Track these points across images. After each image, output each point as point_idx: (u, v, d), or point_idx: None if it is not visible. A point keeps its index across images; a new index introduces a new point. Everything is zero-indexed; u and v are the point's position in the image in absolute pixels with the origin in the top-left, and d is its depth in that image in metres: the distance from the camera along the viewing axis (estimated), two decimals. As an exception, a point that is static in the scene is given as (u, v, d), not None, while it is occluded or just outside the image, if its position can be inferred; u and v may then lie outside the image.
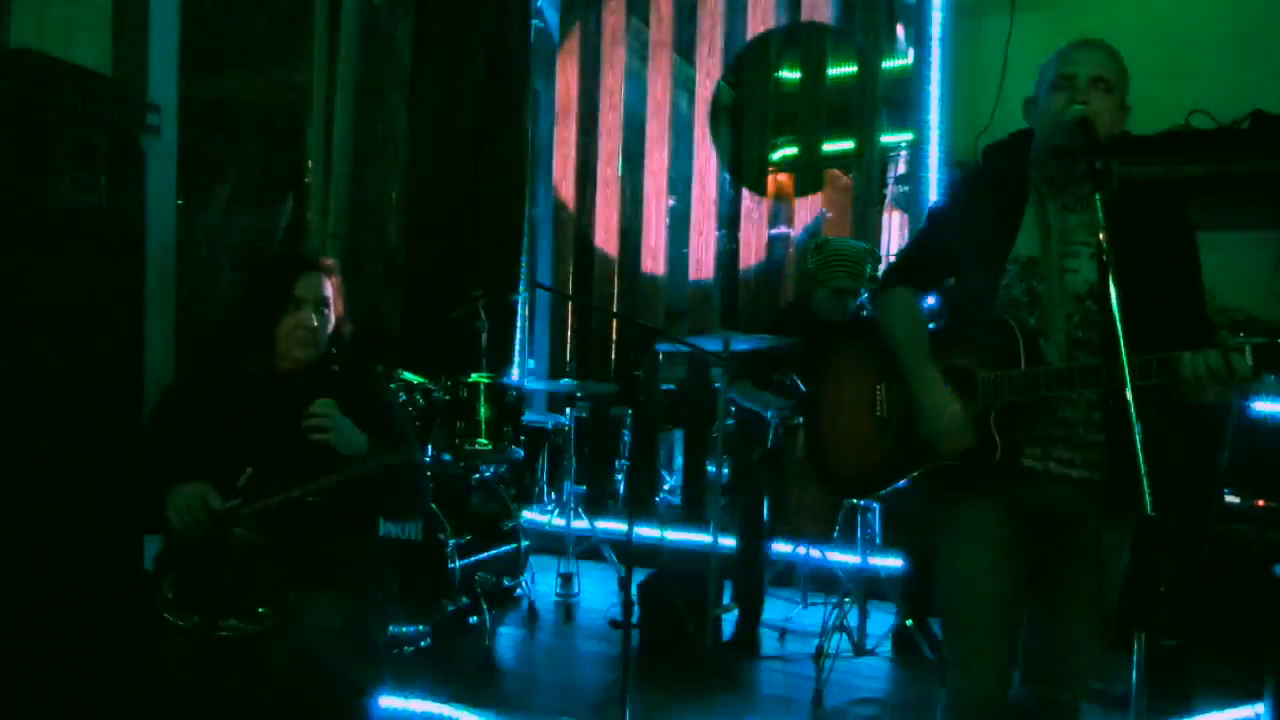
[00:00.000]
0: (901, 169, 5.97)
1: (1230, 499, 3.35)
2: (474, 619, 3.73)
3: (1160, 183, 1.95)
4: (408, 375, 3.86)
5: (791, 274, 5.07)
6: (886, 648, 3.70)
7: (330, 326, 2.29)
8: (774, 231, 5.48)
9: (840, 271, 3.64)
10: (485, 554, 3.79)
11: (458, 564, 3.55)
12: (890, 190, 6.07)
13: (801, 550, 4.06)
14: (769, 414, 3.65)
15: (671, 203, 5.53)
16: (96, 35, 3.14)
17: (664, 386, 5.58)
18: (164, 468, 2.12)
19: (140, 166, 3.20)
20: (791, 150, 5.21)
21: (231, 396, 2.24)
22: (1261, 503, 3.30)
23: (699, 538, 4.67)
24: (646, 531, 4.76)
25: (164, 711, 1.92)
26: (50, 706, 2.48)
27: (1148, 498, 1.46)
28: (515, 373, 5.57)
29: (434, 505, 3.51)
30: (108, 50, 3.17)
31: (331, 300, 2.28)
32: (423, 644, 3.51)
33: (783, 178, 5.36)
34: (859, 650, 3.61)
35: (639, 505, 5.28)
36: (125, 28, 3.21)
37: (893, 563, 3.92)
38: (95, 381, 2.98)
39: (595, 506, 5.24)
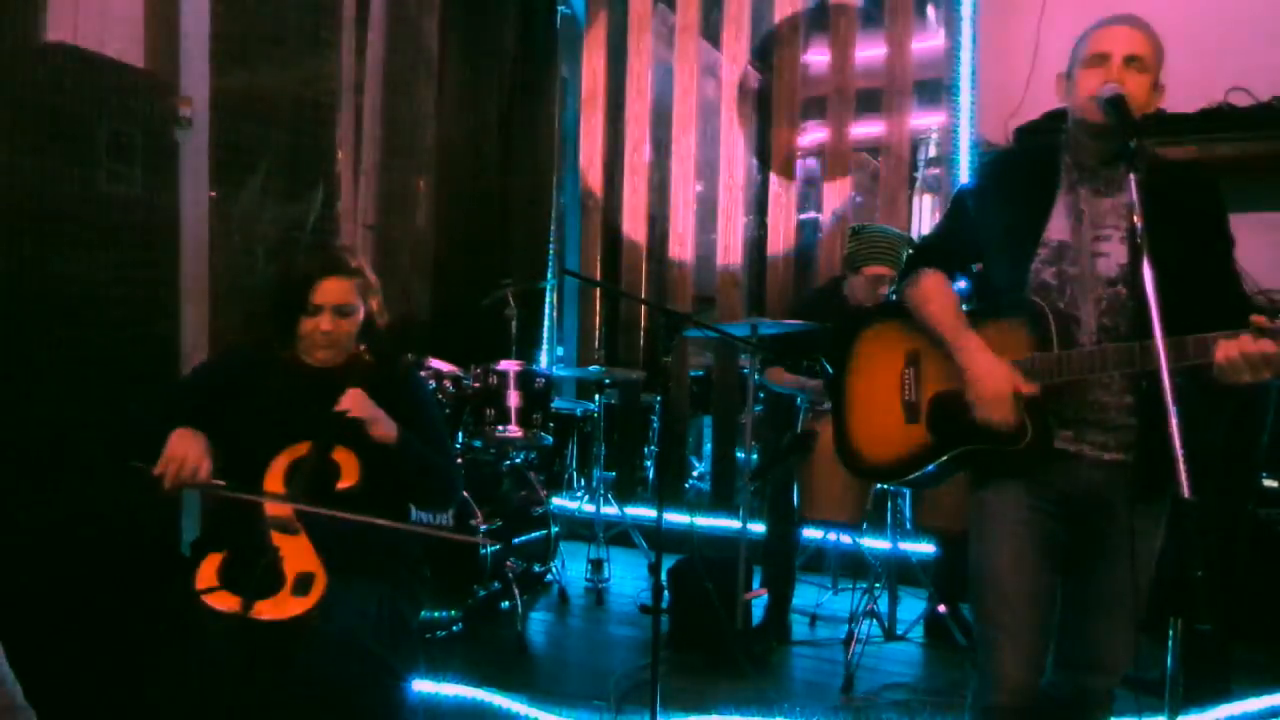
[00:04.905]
0: (932, 152, 5.91)
1: (1268, 483, 3.30)
2: (505, 604, 3.76)
3: (1192, 164, 1.92)
4: (438, 363, 3.89)
5: (820, 259, 5.03)
6: (918, 633, 3.69)
7: (354, 328, 2.31)
8: (802, 216, 5.45)
9: (876, 257, 3.61)
10: (516, 540, 3.82)
11: (489, 550, 3.58)
12: (921, 174, 6.02)
13: (831, 535, 4.05)
14: (800, 400, 3.64)
15: (699, 188, 5.50)
16: (129, 28, 3.18)
17: (692, 373, 5.58)
18: (173, 414, 2.14)
19: (174, 158, 3.25)
20: (820, 134, 5.16)
21: (262, 385, 2.28)
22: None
23: (728, 523, 4.68)
24: (676, 517, 4.77)
25: (202, 696, 1.95)
26: (89, 692, 2.53)
27: (1185, 481, 1.44)
28: (544, 359, 5.59)
29: (465, 492, 3.53)
30: (140, 43, 3.20)
31: (354, 304, 2.30)
32: (455, 629, 3.55)
33: (811, 162, 5.32)
34: (889, 635, 3.61)
35: (668, 491, 5.28)
36: (157, 21, 3.25)
37: (923, 547, 3.91)
38: (131, 368, 3.04)
39: (625, 492, 5.25)
